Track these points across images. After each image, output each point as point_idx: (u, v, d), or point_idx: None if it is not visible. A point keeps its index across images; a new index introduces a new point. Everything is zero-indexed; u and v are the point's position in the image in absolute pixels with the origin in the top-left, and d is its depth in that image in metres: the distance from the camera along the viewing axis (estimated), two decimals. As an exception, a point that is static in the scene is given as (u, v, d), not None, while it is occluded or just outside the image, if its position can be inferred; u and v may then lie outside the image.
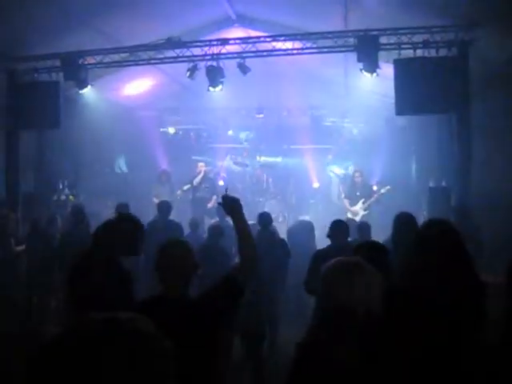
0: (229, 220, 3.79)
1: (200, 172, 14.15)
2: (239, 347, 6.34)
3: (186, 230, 8.98)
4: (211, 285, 3.23)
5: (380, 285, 2.45)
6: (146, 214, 10.68)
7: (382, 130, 15.48)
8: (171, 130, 17.07)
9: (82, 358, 1.13)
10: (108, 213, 10.10)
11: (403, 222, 5.76)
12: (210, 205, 13.35)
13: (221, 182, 15.25)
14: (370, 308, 2.37)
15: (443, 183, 10.58)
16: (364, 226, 7.91)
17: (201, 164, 14.43)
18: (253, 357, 6.27)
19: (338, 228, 6.17)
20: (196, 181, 13.89)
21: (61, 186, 12.26)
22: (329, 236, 6.16)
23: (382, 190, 12.79)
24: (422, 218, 10.95)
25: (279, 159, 17.10)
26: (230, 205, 3.44)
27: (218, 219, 9.71)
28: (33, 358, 1.16)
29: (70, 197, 12.15)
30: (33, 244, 8.52)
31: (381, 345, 2.41)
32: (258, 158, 17.06)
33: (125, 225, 4.20)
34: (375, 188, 13.49)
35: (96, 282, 3.74)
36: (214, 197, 13.41)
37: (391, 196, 12.61)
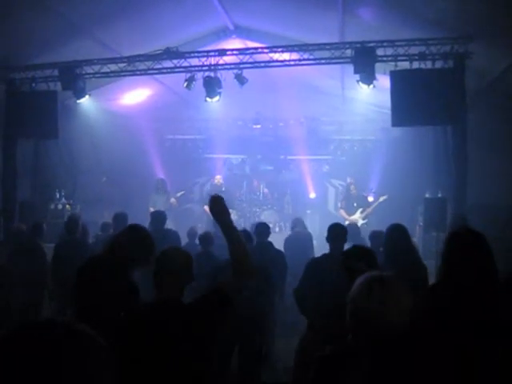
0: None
1: (216, 185, 14.14)
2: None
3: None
4: (200, 295, 3.21)
5: (407, 298, 2.42)
6: (143, 224, 10.68)
7: (379, 141, 15.57)
8: (169, 146, 17.18)
9: (15, 360, 1.14)
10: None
11: (394, 233, 5.80)
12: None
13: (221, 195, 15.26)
14: (397, 321, 2.37)
15: (439, 194, 10.61)
16: (376, 235, 7.74)
17: (218, 177, 14.40)
18: (248, 375, 6.19)
19: (335, 232, 6.06)
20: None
21: (57, 195, 12.25)
22: (327, 239, 6.09)
23: (380, 199, 12.84)
24: (417, 228, 11.00)
25: (276, 170, 17.14)
26: (216, 204, 3.26)
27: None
28: None
29: (67, 206, 12.13)
30: (20, 256, 8.41)
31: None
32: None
33: (136, 237, 4.13)
34: (371, 199, 13.55)
35: (105, 290, 3.72)
36: (232, 210, 13.56)
37: (387, 206, 12.67)
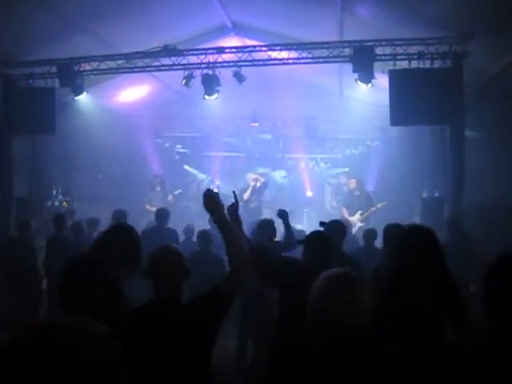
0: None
1: (250, 185, 14.00)
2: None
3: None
4: (199, 295, 3.18)
5: (367, 296, 2.44)
6: (140, 221, 10.69)
7: (376, 140, 15.57)
8: (166, 144, 17.17)
9: (28, 362, 1.13)
10: (102, 219, 10.08)
11: (392, 232, 5.80)
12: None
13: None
14: (364, 321, 2.37)
15: (436, 194, 10.62)
16: (370, 233, 7.81)
17: (252, 177, 14.25)
18: None
19: (333, 229, 5.94)
20: (246, 195, 13.70)
21: (54, 192, 12.22)
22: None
23: (379, 205, 12.75)
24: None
25: (273, 168, 17.12)
26: (211, 202, 3.22)
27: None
28: None
29: (64, 203, 12.13)
30: (16, 253, 8.45)
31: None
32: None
33: (131, 249, 4.01)
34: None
35: (89, 290, 3.67)
36: None
37: (385, 206, 12.64)
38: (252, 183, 13.90)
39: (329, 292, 2.39)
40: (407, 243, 3.88)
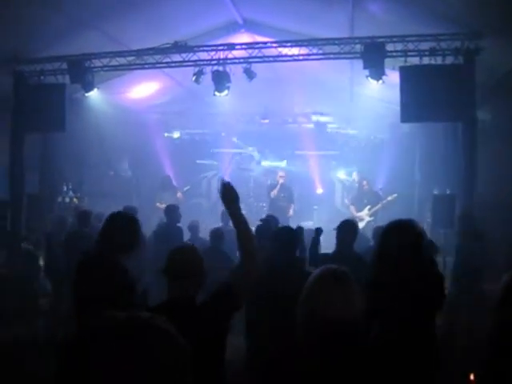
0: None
1: (278, 182, 13.90)
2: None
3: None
4: (211, 293, 3.21)
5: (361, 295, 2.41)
6: (150, 218, 10.71)
7: (387, 137, 15.51)
8: (176, 135, 17.14)
9: (105, 353, 1.14)
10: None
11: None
12: (290, 213, 13.24)
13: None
14: (356, 318, 2.34)
15: (447, 191, 10.55)
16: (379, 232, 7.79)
17: (280, 174, 14.11)
18: None
19: (343, 229, 5.98)
20: (274, 193, 13.65)
21: (65, 188, 12.27)
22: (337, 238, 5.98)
23: (389, 198, 12.73)
24: (425, 225, 10.96)
25: (283, 165, 17.08)
26: (230, 193, 3.29)
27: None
28: (59, 356, 1.18)
29: (74, 199, 12.17)
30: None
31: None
32: (262, 163, 17.11)
33: (119, 222, 4.21)
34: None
35: (98, 283, 3.74)
36: (292, 205, 13.43)
37: (395, 202, 12.59)
38: (281, 180, 13.76)
39: (320, 289, 2.35)
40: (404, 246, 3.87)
